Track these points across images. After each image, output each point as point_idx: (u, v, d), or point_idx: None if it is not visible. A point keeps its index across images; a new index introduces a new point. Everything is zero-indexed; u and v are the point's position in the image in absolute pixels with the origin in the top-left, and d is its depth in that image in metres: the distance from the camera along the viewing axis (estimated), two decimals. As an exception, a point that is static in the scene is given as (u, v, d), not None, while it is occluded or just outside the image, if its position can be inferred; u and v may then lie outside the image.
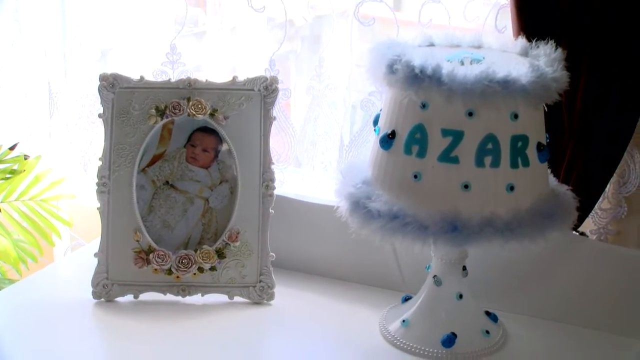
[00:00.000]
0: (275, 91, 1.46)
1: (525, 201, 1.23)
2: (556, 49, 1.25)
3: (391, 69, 1.20)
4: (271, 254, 1.47)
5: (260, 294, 1.46)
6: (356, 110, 1.64)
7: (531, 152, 1.22)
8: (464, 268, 1.35)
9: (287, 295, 1.48)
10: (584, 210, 1.45)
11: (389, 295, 1.49)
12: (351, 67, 1.59)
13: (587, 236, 1.50)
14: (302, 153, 1.66)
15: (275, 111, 1.50)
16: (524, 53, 1.29)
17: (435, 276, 1.35)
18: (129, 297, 1.45)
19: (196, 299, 1.46)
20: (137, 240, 1.44)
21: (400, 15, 1.56)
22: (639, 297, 1.41)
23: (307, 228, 1.55)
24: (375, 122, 1.32)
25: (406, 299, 1.44)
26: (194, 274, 1.44)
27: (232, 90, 1.46)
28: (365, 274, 1.54)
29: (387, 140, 1.24)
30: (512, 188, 1.20)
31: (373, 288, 1.53)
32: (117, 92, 1.44)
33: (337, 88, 1.62)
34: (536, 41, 1.28)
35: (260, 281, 1.46)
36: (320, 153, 1.65)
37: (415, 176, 1.21)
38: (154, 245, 1.44)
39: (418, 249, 1.24)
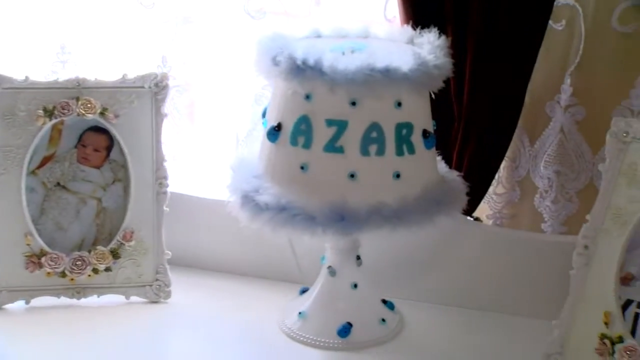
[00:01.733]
0: (165, 88, 1.42)
1: (413, 188, 1.22)
2: (440, 36, 1.24)
3: (274, 61, 1.18)
4: (167, 252, 1.44)
5: (157, 292, 1.43)
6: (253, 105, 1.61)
7: (417, 139, 1.22)
8: (358, 257, 1.34)
9: (184, 293, 1.46)
10: (477, 196, 1.46)
11: (287, 288, 1.47)
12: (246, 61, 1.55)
13: (482, 221, 1.50)
14: (198, 149, 1.63)
15: (168, 108, 1.45)
16: (410, 41, 1.28)
17: (329, 267, 1.33)
18: (20, 303, 1.39)
19: (92, 301, 1.42)
20: (28, 244, 1.39)
21: (291, 8, 1.54)
22: (534, 278, 1.42)
23: (203, 224, 1.52)
24: (264, 115, 1.29)
25: (303, 291, 1.42)
26: (89, 275, 1.40)
27: (122, 89, 1.42)
28: (263, 267, 1.53)
29: (274, 132, 1.23)
30: (398, 176, 1.20)
31: (271, 281, 1.51)
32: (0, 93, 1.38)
33: (232, 82, 1.59)
34: (421, 29, 1.27)
35: (156, 280, 1.43)
36: (217, 148, 1.61)
37: (302, 167, 1.19)
38: (46, 248, 1.39)
39: (313, 240, 1.22)
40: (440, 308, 1.45)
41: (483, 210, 1.57)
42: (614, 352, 1.18)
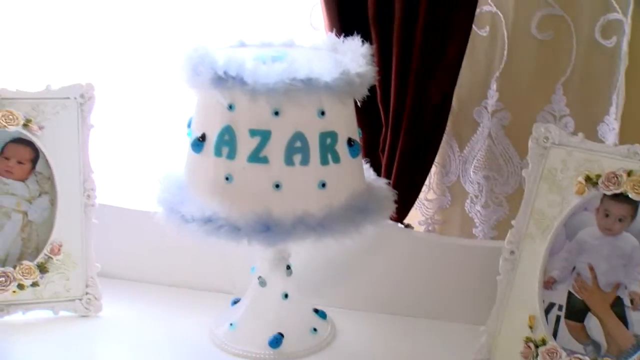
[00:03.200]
0: (92, 99, 1.40)
1: (339, 197, 1.22)
2: (364, 43, 1.24)
3: (196, 71, 1.17)
4: (96, 264, 1.41)
5: (87, 306, 1.41)
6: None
7: (341, 148, 1.21)
8: (288, 267, 1.33)
9: (115, 306, 1.44)
10: (407, 202, 1.47)
11: (219, 299, 1.45)
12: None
13: (413, 228, 1.51)
14: (128, 160, 1.61)
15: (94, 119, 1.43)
16: (334, 49, 1.28)
17: (259, 277, 1.32)
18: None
19: (17, 317, 1.38)
20: (-52, 261, 1.35)
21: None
22: (465, 284, 1.43)
23: (133, 236, 1.50)
24: (189, 126, 1.28)
25: (235, 302, 1.41)
26: (14, 291, 1.37)
27: (46, 99, 1.38)
28: (195, 278, 1.51)
29: (198, 143, 1.21)
30: (323, 185, 1.19)
31: (204, 292, 1.50)
32: None
33: (160, 93, 1.57)
34: (345, 37, 1.27)
35: (86, 293, 1.41)
36: (147, 160, 1.59)
37: (227, 178, 1.18)
38: (-34, 265, 1.35)
39: (243, 250, 1.21)
40: (372, 316, 1.45)
41: (415, 216, 1.58)
42: (537, 354, 1.20)
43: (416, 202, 1.53)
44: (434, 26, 1.35)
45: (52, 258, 1.39)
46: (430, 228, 1.60)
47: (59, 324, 1.39)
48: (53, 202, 1.40)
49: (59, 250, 1.39)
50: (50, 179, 1.39)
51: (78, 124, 1.40)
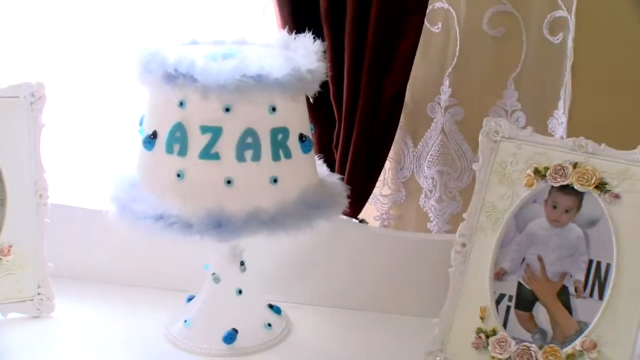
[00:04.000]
0: (42, 98, 1.40)
1: (291, 192, 1.24)
2: (315, 40, 1.26)
3: (147, 68, 1.18)
4: (49, 264, 1.41)
5: (38, 307, 1.41)
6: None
7: (293, 143, 1.24)
8: (242, 263, 1.35)
9: (68, 306, 1.44)
10: (362, 197, 1.50)
11: (174, 297, 1.46)
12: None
13: (367, 223, 1.53)
14: (85, 158, 1.62)
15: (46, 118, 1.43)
16: (285, 46, 1.30)
17: (213, 274, 1.35)
18: None
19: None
20: None
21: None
22: (420, 277, 1.47)
23: (87, 235, 1.51)
24: (141, 123, 1.29)
25: (190, 299, 1.43)
26: (-40, 295, 1.36)
27: (-6, 98, 1.38)
28: (150, 276, 1.52)
29: (150, 140, 1.23)
30: (275, 180, 1.21)
31: (159, 290, 1.51)
32: None
33: (112, 91, 1.58)
34: (297, 34, 1.29)
35: (38, 294, 1.41)
36: (100, 158, 1.61)
37: (179, 175, 1.20)
38: None
39: (197, 247, 1.23)
40: (327, 310, 1.48)
41: (370, 211, 1.61)
42: (488, 344, 1.23)
43: (371, 198, 1.56)
44: (386, 23, 1.38)
45: (1, 259, 1.38)
46: (385, 223, 1.63)
47: (9, 326, 1.39)
48: (3, 203, 1.38)
49: (9, 251, 1.38)
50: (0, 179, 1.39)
51: (28, 123, 1.39)
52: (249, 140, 1.19)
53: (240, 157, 1.19)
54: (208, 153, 1.19)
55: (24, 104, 1.39)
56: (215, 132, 1.18)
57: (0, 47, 1.60)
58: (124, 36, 1.55)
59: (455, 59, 1.49)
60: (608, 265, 1.17)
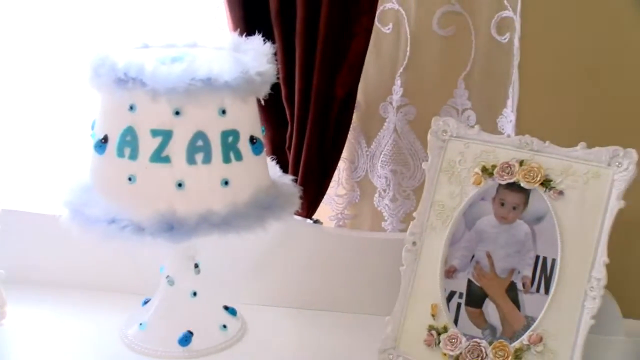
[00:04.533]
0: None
1: (242, 194, 1.26)
2: (266, 42, 1.28)
3: (97, 72, 1.19)
4: (0, 271, 1.41)
5: (-10, 314, 1.41)
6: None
7: (244, 145, 1.26)
8: (196, 265, 1.37)
9: (22, 312, 1.45)
10: (316, 198, 1.52)
11: (130, 300, 1.47)
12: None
13: (322, 223, 1.56)
14: (37, 163, 1.62)
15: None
16: (236, 49, 1.31)
17: (168, 276, 1.36)
18: None
19: None
20: None
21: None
22: (375, 276, 1.49)
23: (40, 240, 1.51)
24: (93, 128, 1.30)
25: (146, 302, 1.44)
26: None
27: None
28: (105, 280, 1.53)
29: (101, 144, 1.24)
30: (227, 183, 1.23)
31: (115, 293, 1.51)
32: None
33: (64, 96, 1.59)
34: (247, 36, 1.31)
35: (-10, 301, 1.41)
36: (53, 163, 1.61)
37: (130, 178, 1.21)
38: None
39: (152, 250, 1.24)
40: (283, 310, 1.50)
41: (325, 212, 1.63)
42: (439, 341, 1.26)
43: (326, 198, 1.58)
44: (337, 24, 1.40)
45: (-51, 267, 1.38)
46: (340, 223, 1.65)
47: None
48: (-49, 207, 1.40)
49: (-42, 257, 1.39)
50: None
51: (-24, 128, 1.40)
52: (200, 143, 1.21)
53: (191, 160, 1.21)
54: (159, 156, 1.20)
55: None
56: (165, 136, 1.20)
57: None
58: (76, 39, 1.56)
59: (406, 59, 1.52)
60: (553, 261, 1.21)
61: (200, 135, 1.21)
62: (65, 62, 1.57)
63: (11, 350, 1.37)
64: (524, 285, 1.22)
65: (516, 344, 1.21)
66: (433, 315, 1.28)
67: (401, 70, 1.53)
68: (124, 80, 1.17)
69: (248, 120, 1.28)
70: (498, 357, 1.21)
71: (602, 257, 1.17)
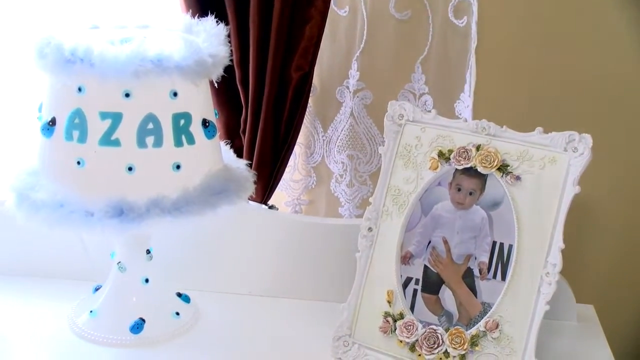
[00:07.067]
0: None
1: (194, 179, 1.23)
2: (219, 24, 1.25)
3: (41, 54, 1.16)
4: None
5: None
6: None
7: (196, 129, 1.23)
8: (148, 251, 1.34)
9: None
10: (271, 183, 1.50)
11: (80, 287, 1.44)
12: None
13: (277, 209, 1.54)
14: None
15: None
16: (188, 30, 1.28)
17: (119, 262, 1.33)
18: None
19: None
20: None
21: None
22: (331, 262, 1.47)
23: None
24: (40, 110, 1.27)
25: (97, 289, 1.41)
26: None
27: None
28: (54, 266, 1.49)
29: (48, 127, 1.21)
30: (178, 167, 1.20)
31: (64, 280, 1.48)
32: None
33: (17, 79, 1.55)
34: (199, 17, 1.28)
35: None
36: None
37: (79, 162, 1.18)
38: None
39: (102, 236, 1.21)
40: (237, 297, 1.47)
41: (281, 197, 1.61)
42: (395, 328, 1.25)
43: (282, 183, 1.56)
44: (291, 6, 1.38)
45: None
46: (296, 209, 1.63)
47: None
48: None
49: None
50: None
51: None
52: (150, 126, 1.18)
53: (142, 144, 1.18)
54: (108, 140, 1.17)
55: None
56: (115, 118, 1.16)
57: None
58: (26, 22, 1.51)
59: (363, 43, 1.50)
60: (510, 247, 1.20)
61: (150, 117, 1.18)
62: (12, 43, 1.52)
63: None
64: (480, 271, 1.22)
65: (472, 331, 1.20)
66: (389, 302, 1.26)
67: (358, 53, 1.51)
68: (71, 61, 1.14)
69: (200, 103, 1.25)
70: (454, 344, 1.20)
71: (558, 243, 1.16)
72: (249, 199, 1.38)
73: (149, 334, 1.32)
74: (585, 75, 1.46)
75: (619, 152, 1.48)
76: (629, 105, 1.48)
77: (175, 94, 1.19)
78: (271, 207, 1.52)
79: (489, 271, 1.22)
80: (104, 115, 1.17)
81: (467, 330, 1.21)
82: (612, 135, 1.45)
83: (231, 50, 1.26)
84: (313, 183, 1.62)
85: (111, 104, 1.16)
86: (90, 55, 1.13)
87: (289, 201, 1.63)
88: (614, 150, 1.46)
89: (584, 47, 1.46)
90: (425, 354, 1.22)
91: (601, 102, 1.47)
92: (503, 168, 1.22)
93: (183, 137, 1.21)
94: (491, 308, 1.20)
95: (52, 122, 1.20)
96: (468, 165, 1.24)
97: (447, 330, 1.22)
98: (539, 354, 1.16)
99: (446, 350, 1.21)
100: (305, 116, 1.49)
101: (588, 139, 1.18)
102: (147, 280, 1.34)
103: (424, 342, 1.22)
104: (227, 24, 1.29)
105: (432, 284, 1.26)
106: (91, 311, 1.34)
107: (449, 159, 1.26)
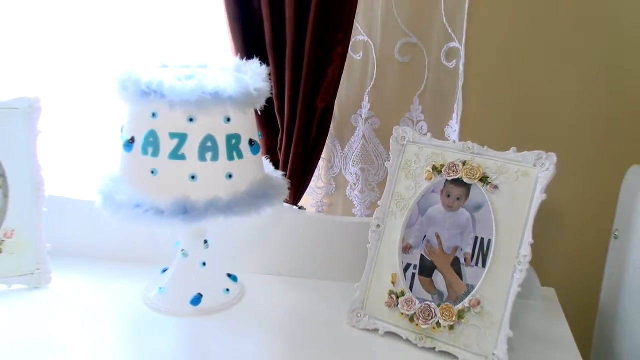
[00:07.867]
0: (38, 109, 1.36)
1: (242, 185, 1.23)
2: (262, 65, 1.26)
3: (124, 86, 1.16)
4: (47, 244, 1.37)
5: (38, 280, 1.37)
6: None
7: (244, 147, 1.23)
8: (206, 241, 1.34)
9: (64, 278, 1.40)
10: (301, 189, 1.49)
11: (151, 269, 1.43)
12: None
13: (305, 209, 1.53)
14: (78, 159, 1.59)
15: (41, 126, 1.39)
16: (238, 70, 1.29)
17: (182, 250, 1.33)
18: None
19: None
20: None
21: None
22: (346, 251, 1.46)
23: (78, 220, 1.47)
24: (122, 131, 1.27)
25: (164, 271, 1.41)
26: (-29, 269, 1.32)
27: (-1, 109, 1.34)
28: (132, 252, 1.49)
29: (128, 144, 1.21)
30: (230, 176, 1.20)
31: (139, 264, 1.47)
32: None
33: (99, 105, 1.55)
34: (247, 60, 1.28)
35: (37, 269, 1.37)
36: (93, 158, 1.58)
37: (152, 172, 1.19)
38: None
39: (170, 230, 1.21)
40: (274, 278, 1.47)
41: (308, 200, 1.61)
42: (398, 303, 1.24)
43: (308, 189, 1.56)
44: (318, 52, 1.38)
45: (5, 241, 1.34)
46: (319, 209, 1.63)
47: (13, 295, 1.35)
48: (6, 195, 1.34)
49: (12, 234, 1.34)
50: (3, 175, 1.35)
51: (27, 130, 1.35)
52: (209, 144, 1.18)
53: (202, 158, 1.18)
54: (176, 154, 1.17)
55: (23, 115, 1.35)
56: (181, 138, 1.17)
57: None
58: (114, 59, 1.52)
59: (373, 80, 1.50)
60: (489, 241, 1.19)
61: (209, 138, 1.18)
62: (101, 76, 1.53)
63: (54, 309, 1.34)
64: (465, 260, 1.21)
65: (459, 306, 1.19)
66: (393, 283, 1.26)
67: (369, 89, 1.51)
68: (147, 93, 1.15)
69: (248, 127, 1.25)
70: (445, 317, 1.19)
71: (528, 239, 1.16)
72: (284, 202, 1.38)
73: (205, 306, 1.31)
74: (551, 106, 1.45)
75: (578, 167, 1.47)
76: (584, 129, 1.47)
77: (228, 119, 1.19)
78: (301, 208, 1.51)
79: (472, 260, 1.21)
80: (172, 135, 1.17)
81: (455, 306, 1.20)
82: (573, 154, 1.44)
83: (271, 86, 1.27)
84: (333, 189, 1.61)
85: (178, 126, 1.17)
86: (162, 88, 1.14)
87: (314, 203, 1.62)
88: (574, 166, 1.45)
89: (549, 84, 1.45)
90: (422, 324, 1.21)
91: (567, 125, 1.46)
92: (484, 179, 1.21)
93: (234, 153, 1.21)
94: (474, 289, 1.19)
95: (132, 140, 1.21)
96: (456, 177, 1.23)
97: (439, 305, 1.21)
98: (512, 326, 1.15)
99: (438, 321, 1.20)
100: (327, 137, 1.48)
101: (553, 157, 1.17)
102: (204, 264, 1.34)
103: (421, 314, 1.22)
104: (268, 65, 1.29)
105: (427, 269, 1.25)
106: (160, 288, 1.34)
107: (441, 172, 1.25)
